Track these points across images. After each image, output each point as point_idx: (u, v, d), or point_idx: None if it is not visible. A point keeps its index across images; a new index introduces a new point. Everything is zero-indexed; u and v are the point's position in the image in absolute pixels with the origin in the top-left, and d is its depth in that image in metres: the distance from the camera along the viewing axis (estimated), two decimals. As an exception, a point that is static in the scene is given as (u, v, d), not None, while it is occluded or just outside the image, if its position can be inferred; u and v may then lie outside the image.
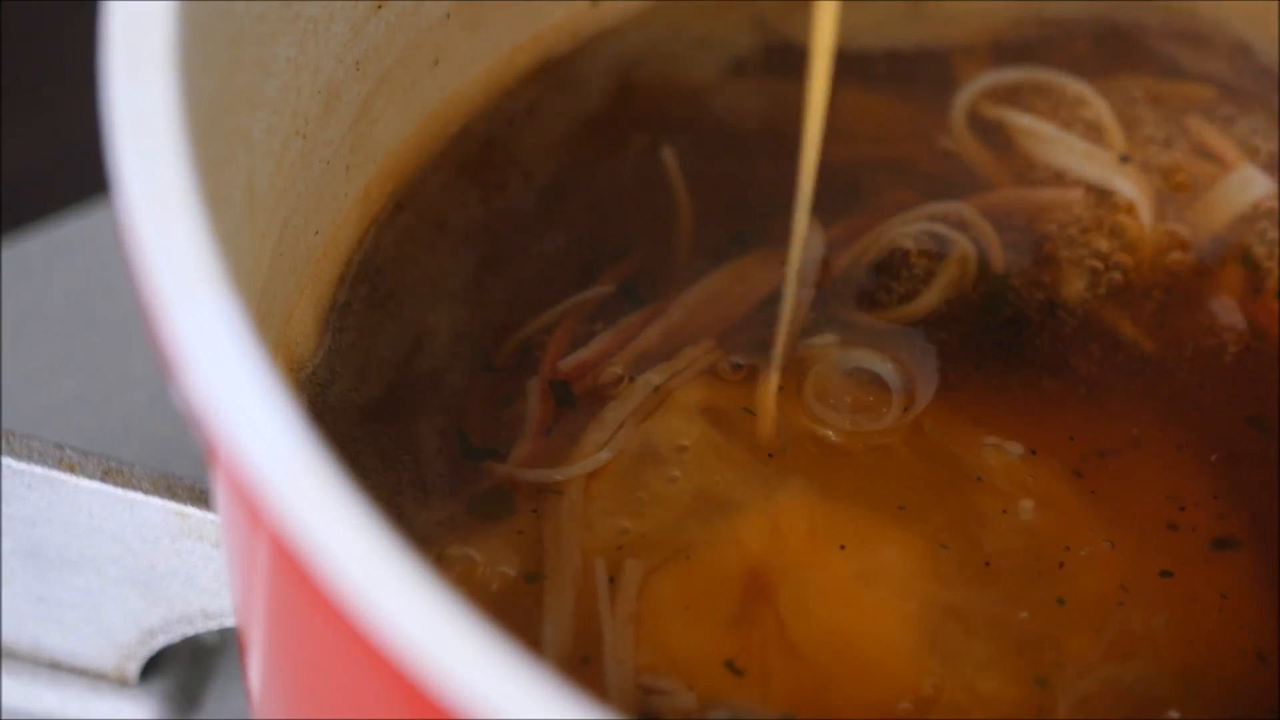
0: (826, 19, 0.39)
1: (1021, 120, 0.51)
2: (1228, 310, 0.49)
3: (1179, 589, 0.45)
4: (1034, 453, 0.46)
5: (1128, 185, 0.50)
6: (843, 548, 0.45)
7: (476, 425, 0.47)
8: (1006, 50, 0.52)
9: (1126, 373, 0.48)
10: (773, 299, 0.48)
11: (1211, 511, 0.46)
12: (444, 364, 0.47)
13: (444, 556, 0.45)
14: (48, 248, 0.61)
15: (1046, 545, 0.45)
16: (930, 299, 0.48)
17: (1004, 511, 0.45)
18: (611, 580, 0.44)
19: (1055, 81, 0.52)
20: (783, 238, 0.49)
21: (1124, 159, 0.50)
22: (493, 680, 0.30)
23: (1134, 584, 0.45)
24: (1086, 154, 0.51)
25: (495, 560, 0.45)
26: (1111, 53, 0.52)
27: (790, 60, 0.52)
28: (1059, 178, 0.51)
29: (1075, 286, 0.49)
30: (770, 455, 0.46)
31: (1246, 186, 0.50)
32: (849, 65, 0.52)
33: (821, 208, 0.49)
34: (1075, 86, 0.52)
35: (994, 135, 0.51)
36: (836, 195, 0.50)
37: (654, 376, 0.47)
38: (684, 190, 0.50)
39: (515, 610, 0.44)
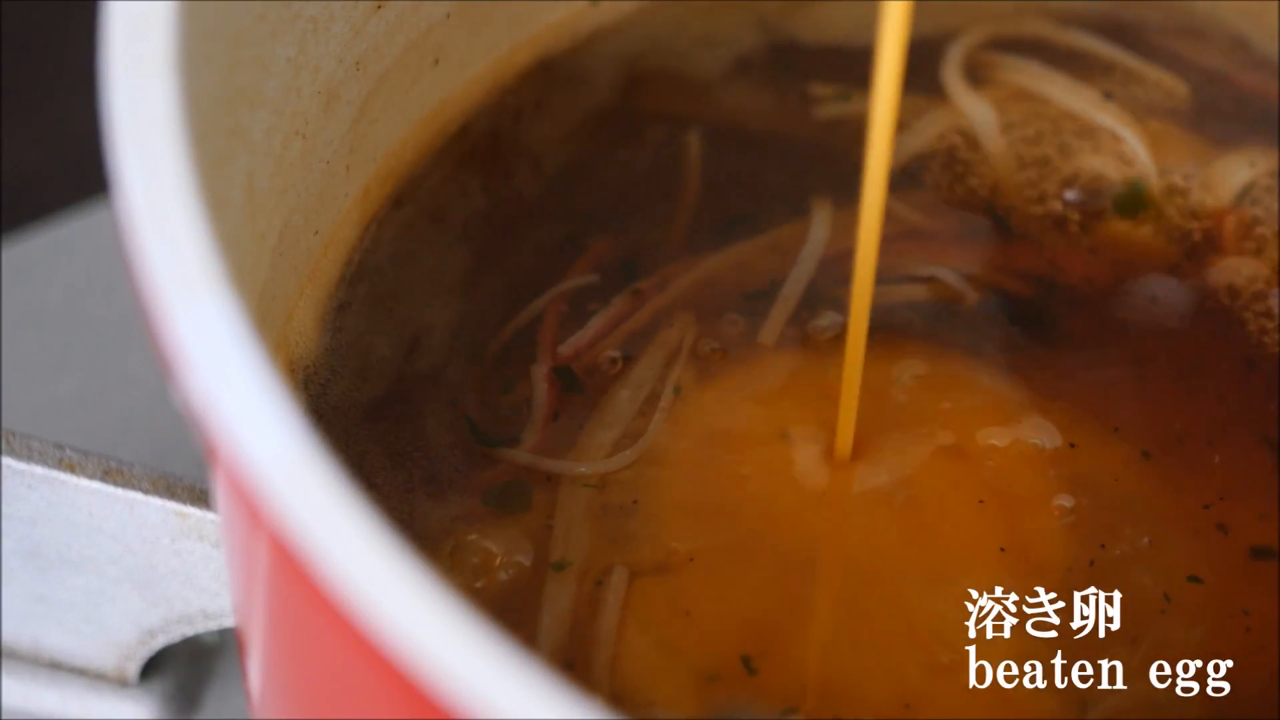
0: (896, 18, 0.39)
1: (1008, 59, 0.52)
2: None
3: (1215, 600, 0.44)
4: (1073, 444, 0.46)
5: (1108, 119, 0.51)
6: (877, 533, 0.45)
7: (481, 415, 0.47)
8: (1007, 41, 0.53)
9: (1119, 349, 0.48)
10: (759, 293, 0.48)
11: (1255, 512, 0.45)
12: (445, 358, 0.48)
13: (460, 546, 0.45)
14: (48, 248, 0.61)
15: (1079, 541, 0.45)
16: (916, 291, 0.49)
17: (1041, 501, 0.45)
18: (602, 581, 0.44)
19: (1052, 36, 0.53)
20: (784, 228, 0.49)
21: (1107, 95, 0.51)
22: (492, 680, 0.30)
23: (1173, 591, 0.45)
24: (1070, 89, 0.51)
25: (512, 550, 0.45)
26: (1114, 45, 0.53)
27: (793, 58, 0.52)
28: (1043, 105, 0.51)
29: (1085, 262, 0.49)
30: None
31: (1245, 166, 0.51)
32: (850, 60, 0.52)
33: (828, 192, 0.49)
34: (1070, 36, 0.52)
35: (982, 74, 0.52)
36: (838, 182, 0.50)
37: (650, 369, 0.47)
38: (696, 173, 0.50)
39: (532, 600, 0.44)
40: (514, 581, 0.44)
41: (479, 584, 0.44)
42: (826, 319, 0.48)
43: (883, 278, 0.48)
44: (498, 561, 0.45)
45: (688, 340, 0.47)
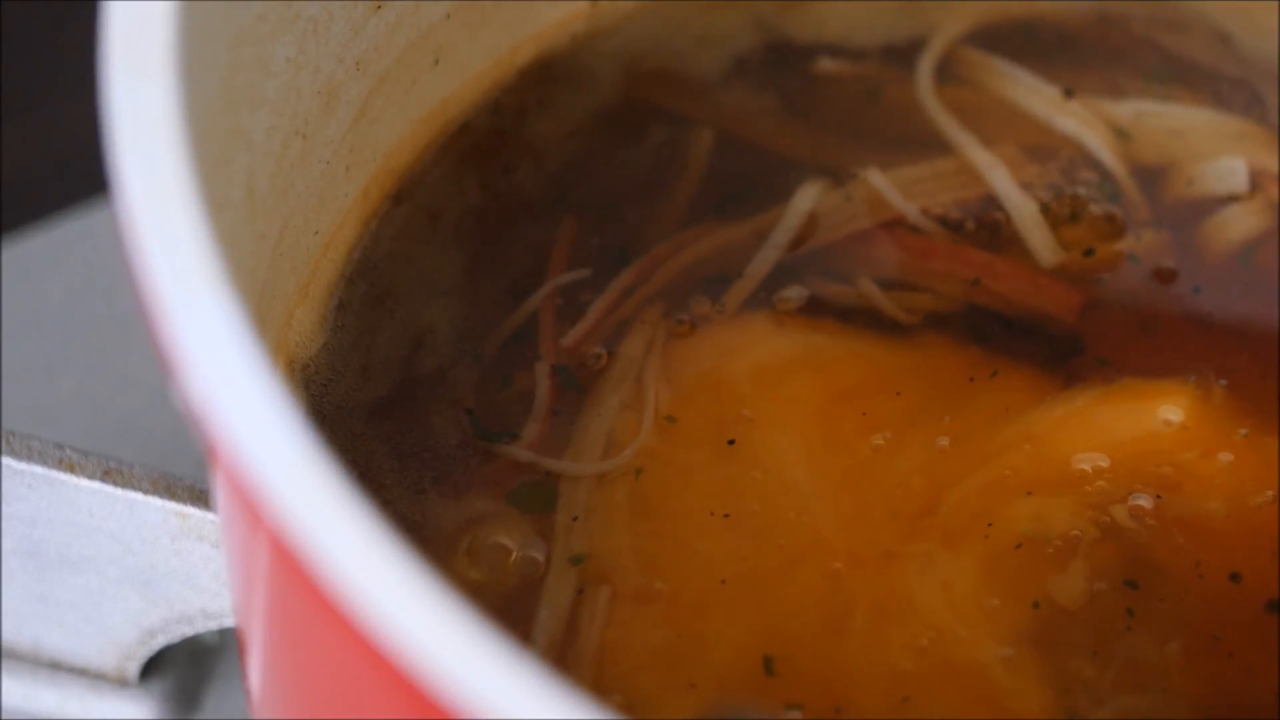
0: None
1: (977, 55, 0.52)
2: None
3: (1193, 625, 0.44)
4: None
5: (1070, 122, 0.51)
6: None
7: (481, 410, 0.47)
8: (999, 38, 0.53)
9: None
10: (723, 279, 0.48)
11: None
12: (447, 355, 0.48)
13: (476, 542, 0.45)
14: (48, 248, 0.61)
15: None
16: (886, 305, 0.49)
17: (1029, 493, 0.46)
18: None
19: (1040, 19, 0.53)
20: (766, 214, 0.50)
21: (1068, 92, 0.51)
22: (493, 680, 0.30)
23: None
24: (1032, 88, 0.52)
25: (526, 545, 0.45)
26: (1100, 41, 0.53)
27: (789, 57, 0.53)
28: (1008, 109, 0.51)
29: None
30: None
31: (1232, 172, 0.51)
32: (845, 58, 0.52)
33: (819, 182, 0.49)
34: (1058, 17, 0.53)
35: (954, 71, 0.52)
36: (830, 175, 0.50)
37: (630, 363, 0.47)
38: (693, 169, 0.50)
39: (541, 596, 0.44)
40: (528, 577, 0.45)
41: (492, 578, 0.45)
42: (793, 290, 0.48)
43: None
44: (513, 557, 0.45)
45: (660, 333, 0.48)
